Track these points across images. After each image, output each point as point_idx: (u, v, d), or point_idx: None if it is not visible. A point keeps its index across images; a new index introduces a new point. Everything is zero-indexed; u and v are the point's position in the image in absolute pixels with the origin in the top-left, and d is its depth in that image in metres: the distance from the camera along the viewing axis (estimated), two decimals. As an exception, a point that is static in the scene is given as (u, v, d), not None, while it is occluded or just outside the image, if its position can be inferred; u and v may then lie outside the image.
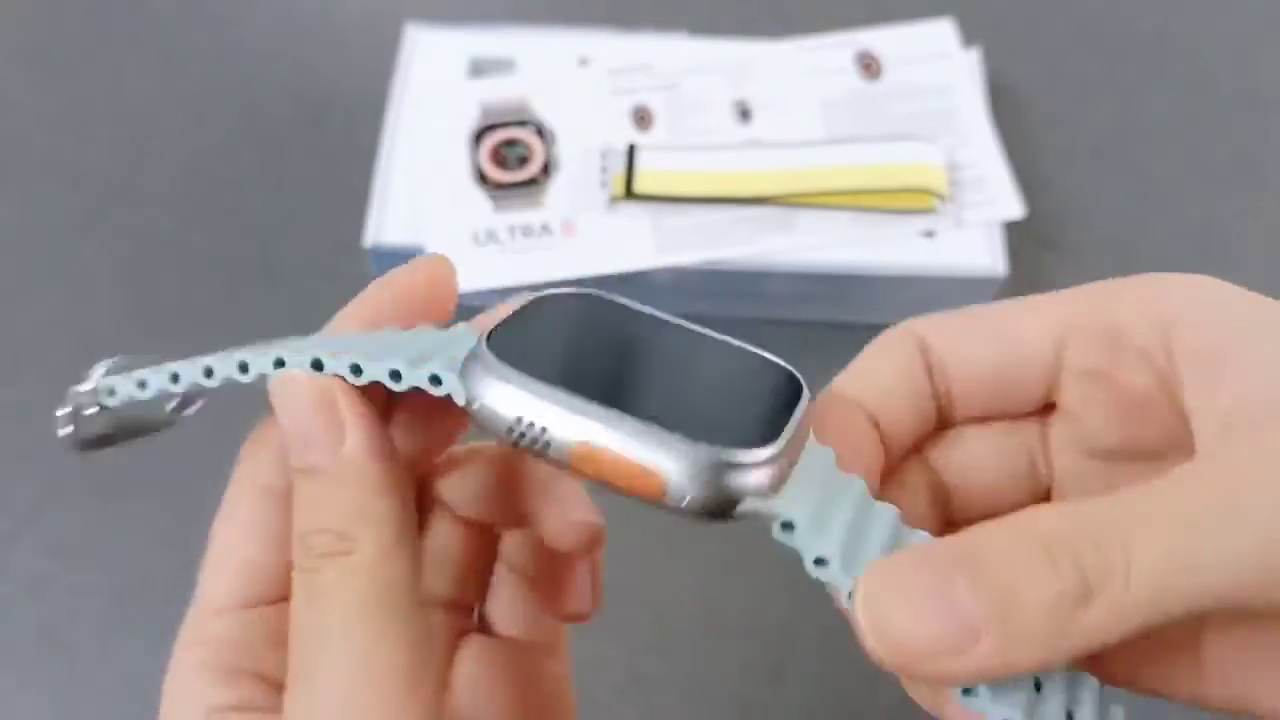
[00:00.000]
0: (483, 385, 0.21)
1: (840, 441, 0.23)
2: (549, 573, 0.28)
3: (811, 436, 0.22)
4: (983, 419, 0.26)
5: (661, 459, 0.20)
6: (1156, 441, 0.24)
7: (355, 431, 0.22)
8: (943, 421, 0.26)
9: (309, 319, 0.49)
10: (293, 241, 0.54)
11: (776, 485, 0.21)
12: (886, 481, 0.25)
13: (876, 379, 0.25)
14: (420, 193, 0.51)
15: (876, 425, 0.25)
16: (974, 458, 0.26)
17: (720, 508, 0.20)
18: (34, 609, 0.44)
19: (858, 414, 0.25)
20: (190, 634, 0.24)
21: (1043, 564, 0.19)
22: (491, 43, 0.56)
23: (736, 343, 0.23)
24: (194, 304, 0.52)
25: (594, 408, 0.20)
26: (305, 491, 0.22)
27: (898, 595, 0.20)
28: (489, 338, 0.22)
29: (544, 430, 0.21)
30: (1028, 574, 0.19)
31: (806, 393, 0.22)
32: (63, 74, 0.60)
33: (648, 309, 0.24)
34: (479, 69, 0.55)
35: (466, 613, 0.29)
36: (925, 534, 0.21)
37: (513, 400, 0.21)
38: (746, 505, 0.20)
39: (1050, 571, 0.19)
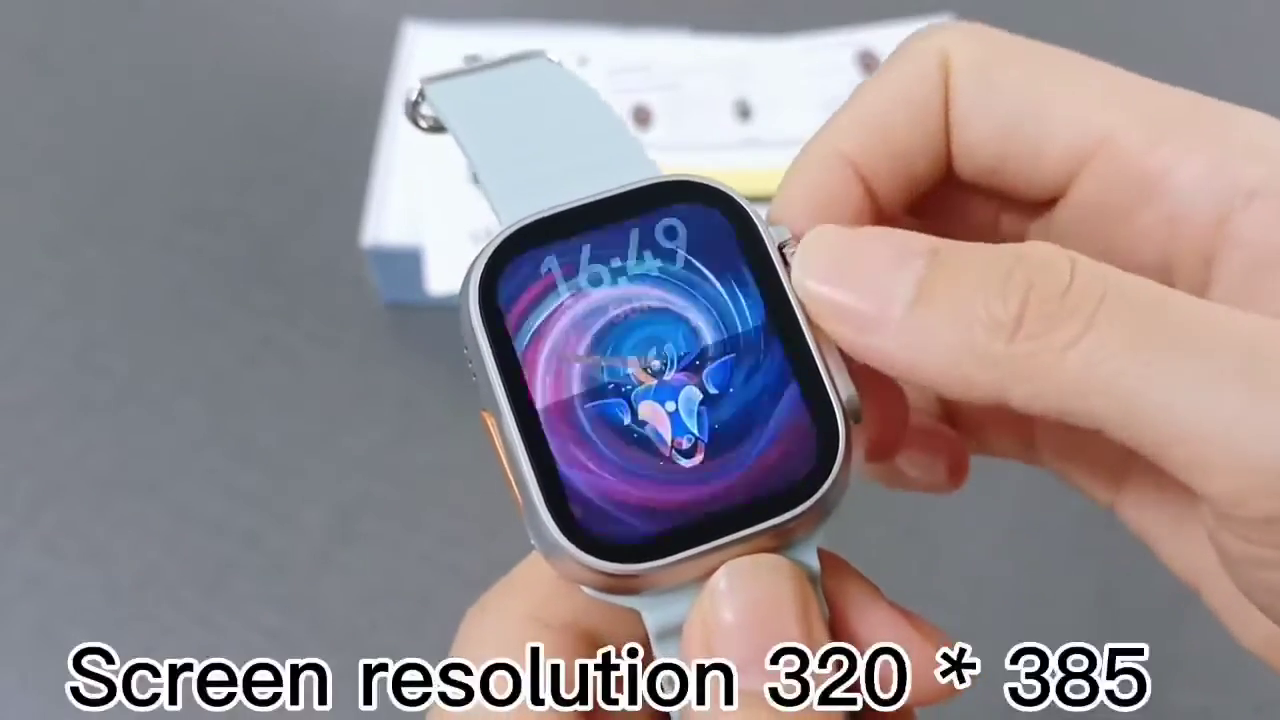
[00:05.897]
0: None
1: (811, 208, 0.21)
2: None
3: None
4: (984, 189, 0.23)
5: (525, 499, 0.19)
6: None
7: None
8: (945, 176, 0.23)
9: (306, 319, 0.49)
10: (290, 241, 0.53)
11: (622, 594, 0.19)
12: None
13: (885, 117, 0.22)
14: (419, 192, 0.51)
15: (865, 182, 0.22)
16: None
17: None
18: (33, 609, 0.44)
19: (839, 176, 0.22)
20: None
21: (998, 280, 0.18)
22: (490, 41, 0.56)
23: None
24: (193, 303, 0.52)
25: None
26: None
27: (851, 245, 0.19)
28: None
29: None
30: (978, 283, 0.18)
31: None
32: (60, 73, 0.60)
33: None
34: (478, 68, 0.55)
35: None
36: None
37: None
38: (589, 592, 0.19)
39: (998, 289, 0.18)
